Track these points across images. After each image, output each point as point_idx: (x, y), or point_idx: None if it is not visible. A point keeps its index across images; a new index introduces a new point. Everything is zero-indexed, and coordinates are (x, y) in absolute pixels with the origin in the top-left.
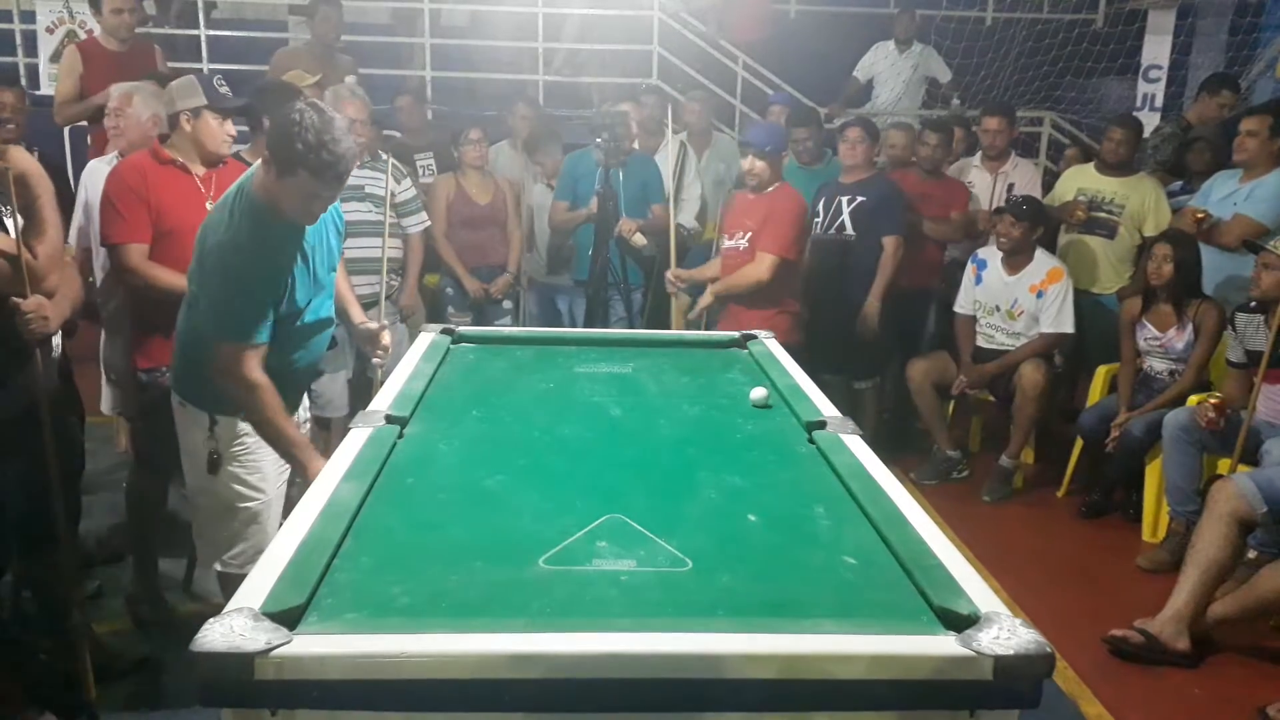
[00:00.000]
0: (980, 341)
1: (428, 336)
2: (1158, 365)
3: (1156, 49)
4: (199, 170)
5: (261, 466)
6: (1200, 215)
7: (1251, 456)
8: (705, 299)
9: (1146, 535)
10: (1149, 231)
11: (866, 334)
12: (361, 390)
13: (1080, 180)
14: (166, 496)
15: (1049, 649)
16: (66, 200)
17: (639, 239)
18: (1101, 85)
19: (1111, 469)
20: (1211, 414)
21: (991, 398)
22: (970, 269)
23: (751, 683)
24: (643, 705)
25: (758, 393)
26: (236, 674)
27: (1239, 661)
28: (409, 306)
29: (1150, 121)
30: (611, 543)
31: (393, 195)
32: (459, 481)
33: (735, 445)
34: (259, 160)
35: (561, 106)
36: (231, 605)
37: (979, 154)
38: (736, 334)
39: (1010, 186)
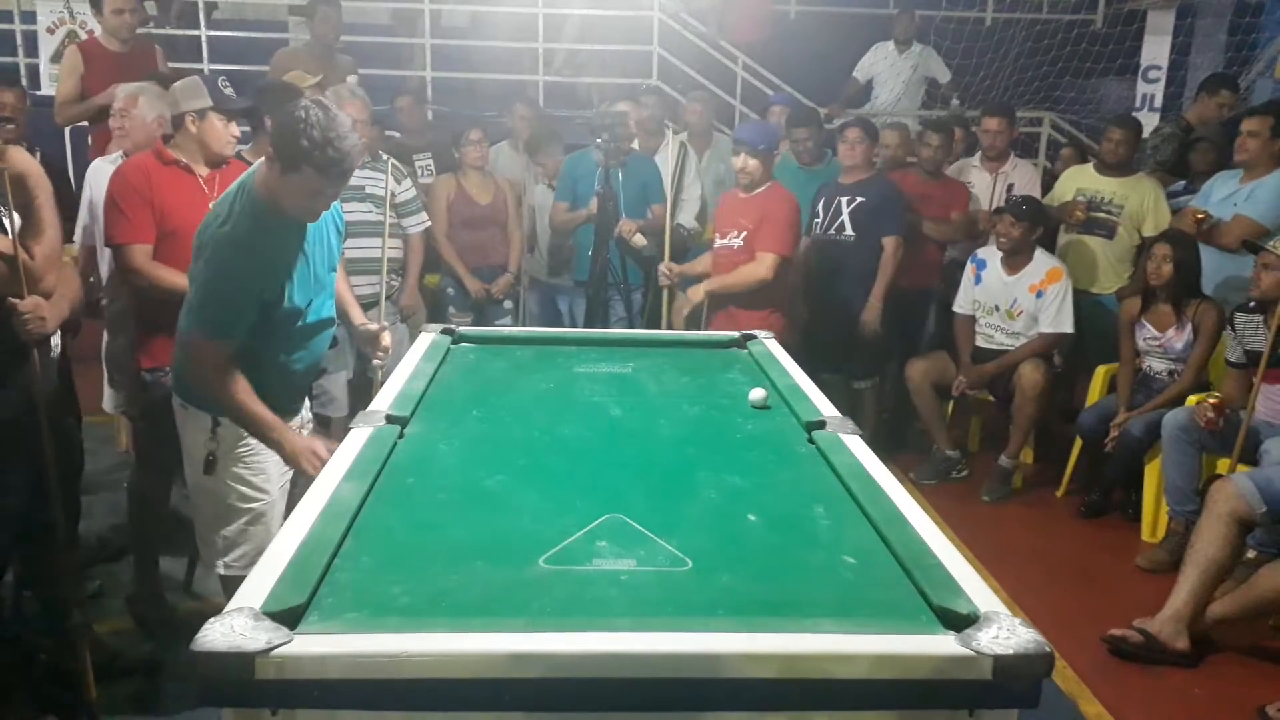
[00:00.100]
0: (979, 341)
1: (428, 336)
2: (1157, 365)
3: (1156, 49)
4: (202, 171)
5: (265, 467)
6: (1200, 215)
7: (1251, 456)
8: (697, 294)
9: (1146, 535)
10: (1148, 232)
11: (868, 334)
12: (362, 390)
13: (1079, 180)
14: (168, 496)
15: (1048, 648)
16: (67, 200)
17: (639, 239)
18: (1101, 85)
19: (1111, 469)
20: (1210, 414)
21: (991, 398)
22: (970, 269)
23: (751, 682)
24: (643, 705)
25: (756, 394)
26: (237, 673)
27: (1238, 661)
28: (409, 307)
29: (1149, 122)
30: (611, 542)
31: (393, 195)
32: (459, 481)
33: (735, 445)
34: (262, 158)
35: (561, 107)
36: (232, 605)
37: (978, 154)
38: (736, 334)
39: (1010, 187)
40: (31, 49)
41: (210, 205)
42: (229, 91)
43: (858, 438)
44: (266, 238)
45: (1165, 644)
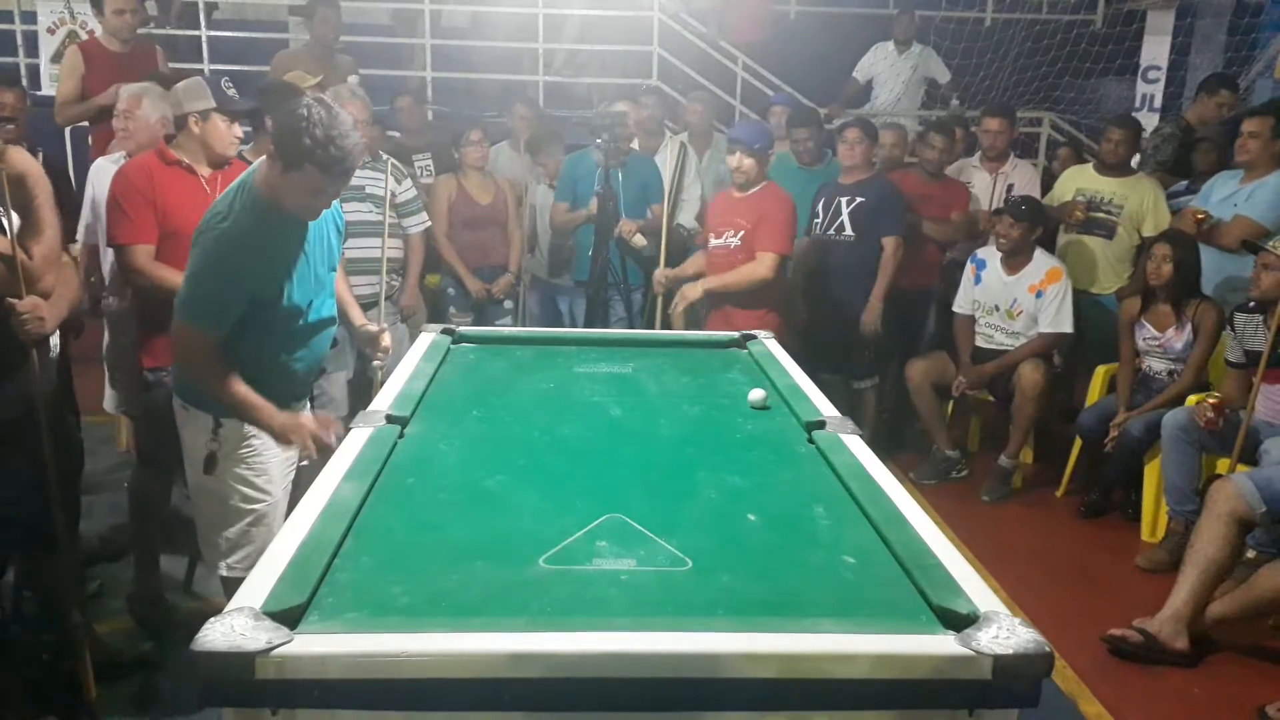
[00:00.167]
0: (979, 341)
1: (428, 336)
2: (1156, 365)
3: (1155, 49)
4: (205, 171)
5: (268, 468)
6: (1200, 216)
7: (1250, 456)
8: (695, 292)
9: (1145, 535)
10: (1148, 232)
11: (868, 334)
12: (362, 390)
13: (1079, 180)
14: (169, 496)
15: (1048, 648)
16: (68, 200)
17: (639, 239)
18: (1100, 86)
19: (1110, 469)
20: (1210, 414)
21: (991, 398)
22: (969, 269)
23: (751, 682)
24: (643, 705)
25: (756, 394)
26: (237, 673)
27: (1238, 661)
28: (410, 307)
29: (1149, 122)
30: (611, 542)
31: (393, 195)
32: (459, 481)
33: (735, 445)
34: (263, 156)
35: (561, 107)
36: (232, 604)
37: (978, 154)
38: (736, 334)
39: (1010, 187)
40: (32, 49)
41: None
42: (232, 93)
43: (858, 438)
44: (266, 235)
45: (1165, 644)
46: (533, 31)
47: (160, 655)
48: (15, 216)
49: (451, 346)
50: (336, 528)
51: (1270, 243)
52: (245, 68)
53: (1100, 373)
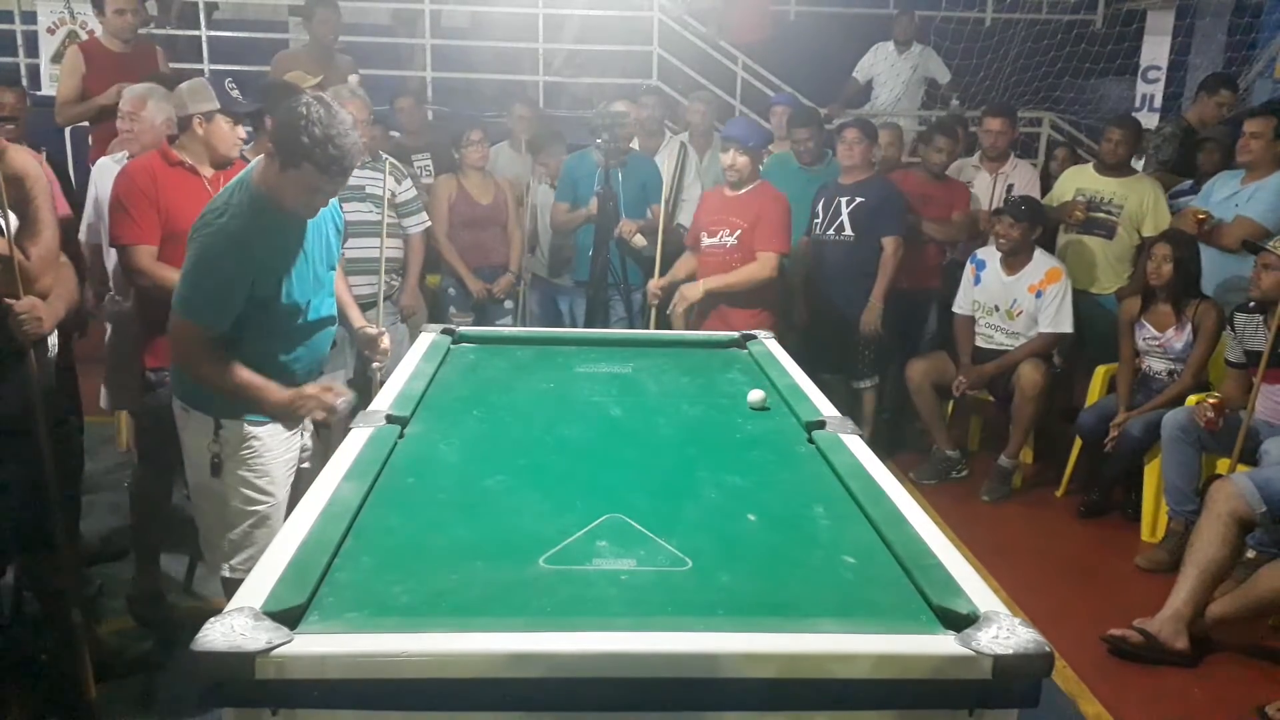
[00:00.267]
0: (979, 342)
1: (428, 336)
2: (1156, 365)
3: (1155, 49)
4: (207, 172)
5: (269, 469)
6: (1201, 216)
7: (1250, 456)
8: (694, 293)
9: (1145, 535)
10: (1148, 232)
11: (868, 335)
12: (361, 390)
13: (1079, 180)
14: (170, 495)
15: (1048, 648)
16: (70, 200)
17: (639, 240)
18: (1100, 86)
19: (1110, 469)
20: (1210, 414)
21: (991, 398)
22: (969, 269)
23: (751, 682)
24: (643, 705)
25: (755, 395)
26: (237, 673)
27: (1238, 661)
28: (410, 307)
29: (1149, 122)
30: (611, 542)
31: (393, 195)
32: (459, 481)
33: (735, 445)
34: (261, 154)
35: (561, 107)
36: (232, 605)
37: (978, 154)
38: (736, 334)
39: (1010, 187)
40: (32, 49)
41: None
42: (236, 94)
43: (858, 438)
44: (263, 232)
45: (1165, 644)
46: (533, 31)
47: (160, 655)
48: (13, 217)
49: (451, 346)
50: (336, 528)
51: (1270, 243)
52: (245, 68)
53: (1100, 373)
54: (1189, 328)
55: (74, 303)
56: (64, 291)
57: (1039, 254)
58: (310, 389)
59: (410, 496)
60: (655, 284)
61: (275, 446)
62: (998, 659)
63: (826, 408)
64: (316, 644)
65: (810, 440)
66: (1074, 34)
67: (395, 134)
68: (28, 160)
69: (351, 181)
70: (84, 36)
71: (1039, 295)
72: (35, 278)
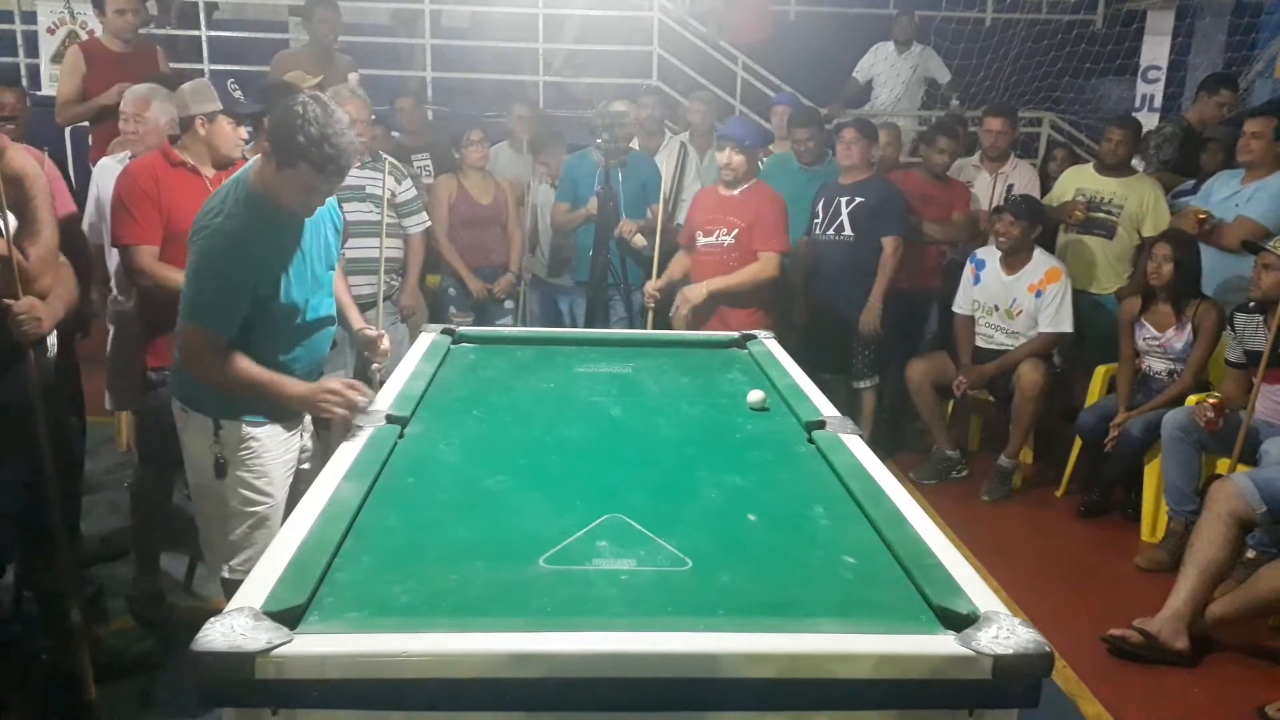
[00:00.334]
0: (979, 341)
1: (428, 336)
2: (1156, 365)
3: (1155, 49)
4: (209, 173)
5: (268, 470)
6: (1202, 216)
7: (1250, 456)
8: (696, 295)
9: (1145, 535)
10: (1147, 232)
11: (867, 334)
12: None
13: (1079, 180)
14: (171, 495)
15: (1048, 648)
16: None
17: (639, 240)
18: (1100, 86)
19: (1110, 469)
20: (1210, 414)
21: (991, 398)
22: (969, 269)
23: (751, 682)
24: (643, 705)
25: (755, 395)
26: (237, 673)
27: (1238, 661)
28: (410, 306)
29: (1149, 122)
30: (611, 542)
31: (393, 195)
32: (459, 481)
33: (735, 445)
34: (258, 153)
35: (561, 107)
36: (232, 605)
37: (978, 154)
38: (736, 334)
39: (1010, 187)
40: (32, 49)
41: None
42: (238, 95)
43: (858, 438)
44: (261, 231)
45: (1165, 644)
46: (533, 31)
47: (160, 655)
48: (12, 217)
49: (451, 346)
50: (336, 528)
51: (1271, 243)
52: (245, 68)
53: (1100, 373)
54: (1189, 328)
55: (73, 302)
56: (63, 291)
57: (1039, 253)
58: (334, 383)
59: (410, 496)
60: (652, 285)
61: (274, 447)
62: (998, 659)
63: (826, 408)
64: (316, 644)
65: (810, 440)
66: (1074, 34)
67: (395, 134)
68: (27, 161)
69: (351, 181)
70: (84, 36)
71: (1039, 295)
72: (34, 278)
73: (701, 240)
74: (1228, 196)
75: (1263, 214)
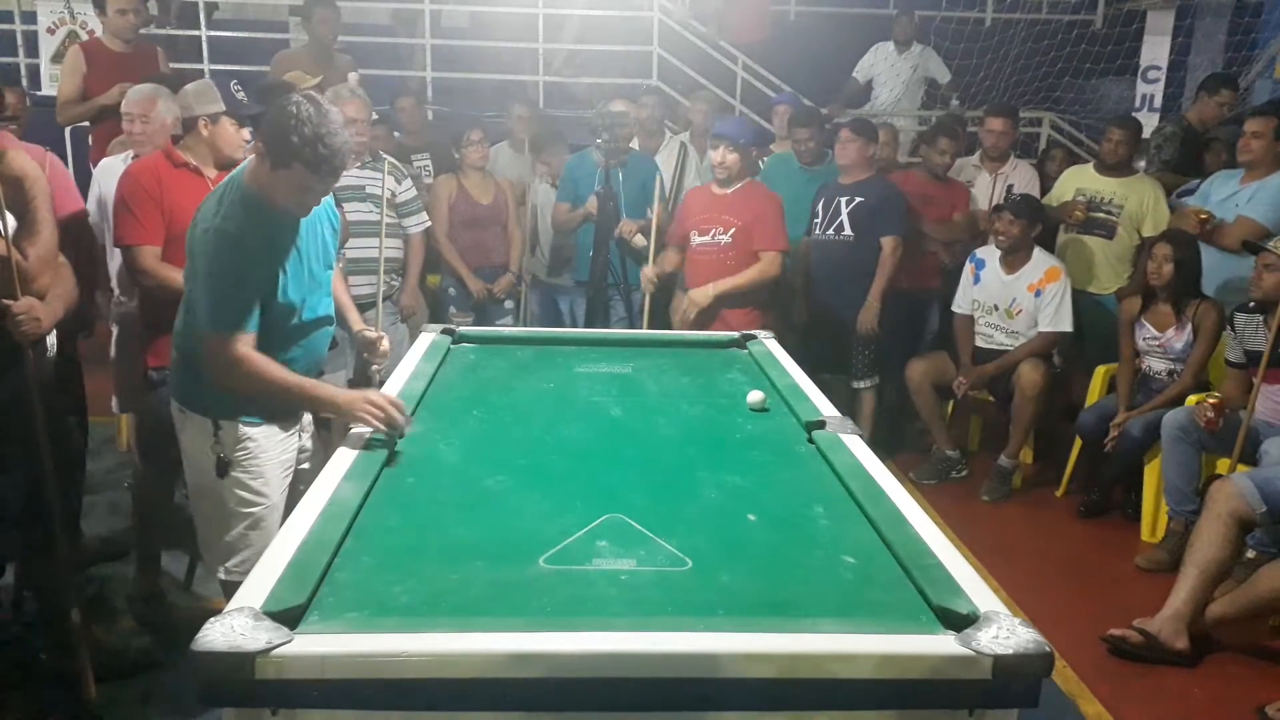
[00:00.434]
0: (979, 341)
1: (428, 337)
2: (1156, 365)
3: (1155, 49)
4: (211, 173)
5: (264, 471)
6: (1204, 216)
7: (1250, 456)
8: (703, 297)
9: (1145, 535)
10: (1148, 232)
11: (864, 334)
12: (361, 390)
13: (1079, 180)
14: (173, 495)
15: (1048, 648)
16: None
17: (639, 240)
18: (1100, 86)
19: (1110, 469)
20: (1210, 414)
21: (991, 398)
22: (968, 269)
23: (751, 682)
24: (643, 705)
25: (754, 396)
26: (237, 673)
27: (1238, 661)
28: (410, 306)
29: (1149, 122)
30: (611, 542)
31: (393, 195)
32: (459, 481)
33: (735, 445)
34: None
35: (561, 107)
36: (232, 605)
37: (978, 154)
38: (736, 334)
39: (1010, 188)
40: (32, 49)
41: None
42: (241, 96)
43: (858, 438)
44: (257, 229)
45: (1165, 644)
46: (533, 31)
47: (160, 655)
48: (11, 218)
49: (451, 346)
50: (336, 528)
51: (1271, 243)
52: (245, 68)
53: (1100, 373)
54: (1189, 328)
55: (73, 302)
56: (62, 291)
57: (1038, 253)
58: (378, 397)
59: (410, 496)
60: (650, 270)
61: (270, 448)
62: (998, 659)
63: (826, 408)
64: (316, 644)
65: (810, 440)
66: (1074, 34)
67: (396, 134)
68: (28, 162)
69: (351, 181)
70: (84, 36)
71: (1038, 294)
72: (33, 278)
73: (697, 240)
74: (1227, 196)
75: (1263, 214)
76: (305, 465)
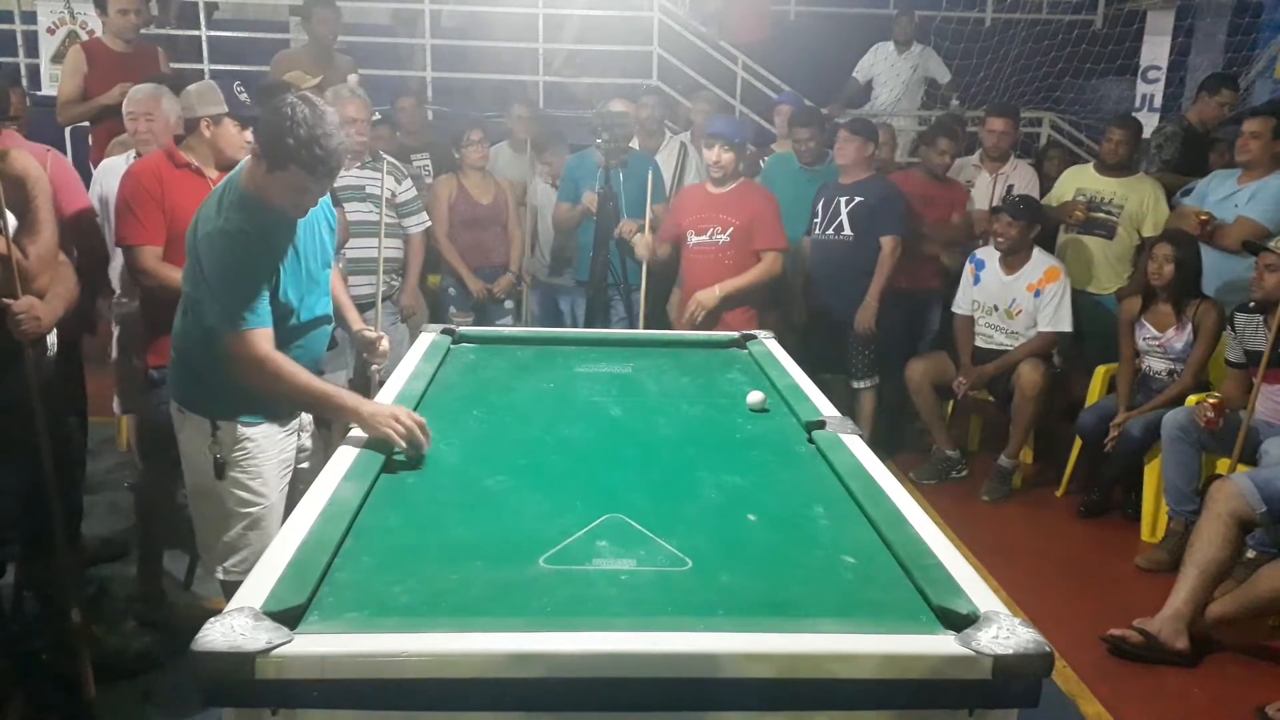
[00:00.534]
0: (979, 342)
1: (428, 337)
2: (1156, 365)
3: (1155, 49)
4: (213, 174)
5: (263, 471)
6: (1204, 217)
7: (1250, 456)
8: (709, 299)
9: (1145, 535)
10: (1148, 232)
11: (864, 333)
12: (361, 390)
13: (1079, 180)
14: (174, 495)
15: (1048, 648)
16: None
17: (640, 240)
18: (1101, 86)
19: (1110, 469)
20: (1210, 414)
21: (991, 398)
22: (968, 269)
23: (751, 682)
24: (643, 705)
25: (754, 397)
26: (237, 673)
27: (1238, 661)
28: (410, 306)
29: (1149, 122)
30: (611, 542)
31: (393, 195)
32: (459, 481)
33: (735, 445)
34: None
35: (561, 107)
36: (232, 605)
37: (978, 154)
38: (736, 334)
39: (1010, 188)
40: (32, 49)
41: None
42: (244, 97)
43: (858, 438)
44: (257, 228)
45: (1165, 644)
46: (533, 31)
47: (160, 655)
48: (12, 217)
49: (451, 346)
50: (336, 528)
51: (1271, 243)
52: (245, 68)
53: (1100, 373)
54: (1189, 328)
55: (73, 302)
56: (62, 290)
57: (1038, 253)
58: (405, 415)
59: (410, 496)
60: (645, 239)
61: (269, 448)
62: (998, 659)
63: (826, 408)
64: (316, 644)
65: (810, 440)
66: (1074, 34)
67: (396, 134)
68: (29, 162)
69: (351, 181)
70: (84, 36)
71: (1038, 294)
72: (33, 277)
73: (693, 239)
74: (1225, 197)
75: (1263, 214)
76: (305, 465)
